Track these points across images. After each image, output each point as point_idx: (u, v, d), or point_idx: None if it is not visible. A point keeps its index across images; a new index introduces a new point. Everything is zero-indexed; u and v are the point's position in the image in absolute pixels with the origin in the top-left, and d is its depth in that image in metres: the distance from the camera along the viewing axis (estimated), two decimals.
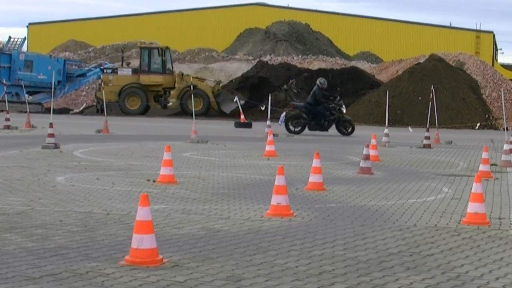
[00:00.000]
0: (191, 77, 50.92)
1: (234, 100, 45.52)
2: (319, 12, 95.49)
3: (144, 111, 50.21)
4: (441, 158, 21.53)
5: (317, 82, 31.34)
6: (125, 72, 51.31)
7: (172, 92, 50.38)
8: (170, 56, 52.81)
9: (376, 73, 60.62)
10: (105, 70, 52.39)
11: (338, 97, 31.83)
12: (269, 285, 6.62)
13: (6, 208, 10.46)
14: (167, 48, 52.69)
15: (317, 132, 35.04)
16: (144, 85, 50.34)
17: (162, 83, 50.47)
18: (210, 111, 50.37)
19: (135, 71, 51.12)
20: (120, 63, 65.84)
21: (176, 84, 50.43)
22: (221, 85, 53.03)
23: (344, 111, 31.84)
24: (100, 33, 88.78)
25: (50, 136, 21.23)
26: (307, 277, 6.95)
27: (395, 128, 39.35)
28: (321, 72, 55.27)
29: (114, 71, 51.79)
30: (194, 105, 50.67)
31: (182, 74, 51.55)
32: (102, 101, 39.72)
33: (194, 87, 50.08)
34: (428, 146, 25.36)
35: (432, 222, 10.22)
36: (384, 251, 8.23)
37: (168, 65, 51.58)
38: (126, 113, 49.70)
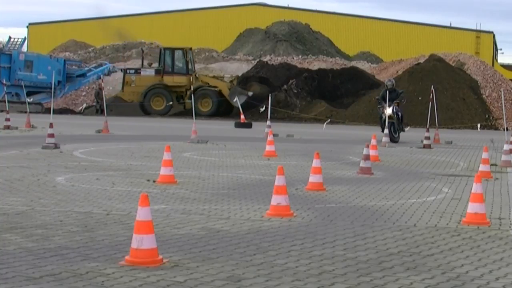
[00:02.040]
0: (201, 77, 51.05)
1: (249, 94, 45.74)
2: (319, 12, 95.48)
3: (168, 112, 50.29)
4: (441, 158, 21.53)
5: None
6: (148, 72, 51.44)
7: (188, 92, 50.52)
8: (192, 57, 52.73)
9: (376, 73, 60.59)
10: (127, 71, 52.46)
11: (395, 101, 27.10)
12: (269, 285, 6.62)
13: (6, 208, 10.46)
14: (190, 49, 52.74)
15: (316, 132, 35.09)
16: (168, 85, 50.43)
17: (186, 83, 50.53)
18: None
19: (158, 71, 51.25)
20: (119, 63, 65.86)
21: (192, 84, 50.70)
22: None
23: (386, 112, 26.82)
24: (100, 33, 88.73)
25: (50, 136, 21.22)
26: (307, 277, 6.95)
27: None
28: (321, 72, 55.29)
29: (137, 71, 51.93)
30: (202, 106, 50.84)
31: (195, 74, 51.52)
32: (103, 101, 39.73)
33: (203, 87, 50.25)
34: (428, 146, 25.36)
35: (432, 222, 10.22)
36: (384, 251, 8.23)
37: (190, 66, 51.62)
38: (149, 113, 49.98)
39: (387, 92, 27.24)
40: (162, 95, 50.45)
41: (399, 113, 27.30)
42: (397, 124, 27.20)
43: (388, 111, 26.93)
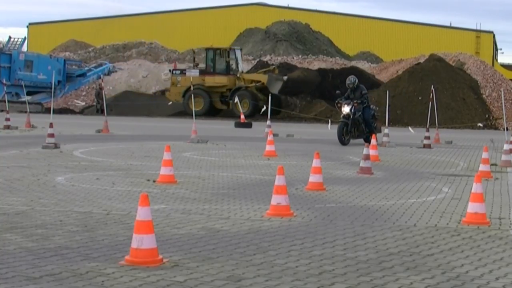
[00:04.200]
0: (244, 76, 50.73)
1: (284, 79, 45.63)
2: (319, 12, 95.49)
3: (207, 112, 49.92)
4: (441, 158, 21.53)
5: None
6: (193, 73, 51.24)
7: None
8: (237, 57, 52.25)
9: (376, 73, 60.60)
10: (173, 72, 52.30)
11: (355, 101, 25.11)
12: (269, 285, 6.62)
13: (6, 208, 10.46)
14: (231, 49, 52.43)
15: (317, 132, 35.11)
16: (208, 86, 50.14)
17: (226, 84, 50.23)
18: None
19: (202, 72, 51.03)
20: (120, 63, 65.82)
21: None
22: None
23: (343, 110, 25.22)
24: (100, 33, 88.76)
25: (50, 136, 21.23)
26: (307, 277, 6.95)
27: (395, 128, 39.34)
28: (321, 72, 55.29)
29: (183, 72, 51.77)
30: (241, 106, 50.62)
31: (238, 74, 50.98)
32: (103, 101, 39.74)
33: (242, 87, 49.81)
34: (428, 146, 25.35)
35: (432, 222, 10.22)
36: (384, 251, 8.22)
37: (233, 66, 51.20)
38: (190, 114, 49.74)
39: (351, 91, 25.36)
40: (200, 96, 50.02)
41: (357, 114, 24.93)
42: (352, 125, 24.95)
43: (345, 109, 24.96)
